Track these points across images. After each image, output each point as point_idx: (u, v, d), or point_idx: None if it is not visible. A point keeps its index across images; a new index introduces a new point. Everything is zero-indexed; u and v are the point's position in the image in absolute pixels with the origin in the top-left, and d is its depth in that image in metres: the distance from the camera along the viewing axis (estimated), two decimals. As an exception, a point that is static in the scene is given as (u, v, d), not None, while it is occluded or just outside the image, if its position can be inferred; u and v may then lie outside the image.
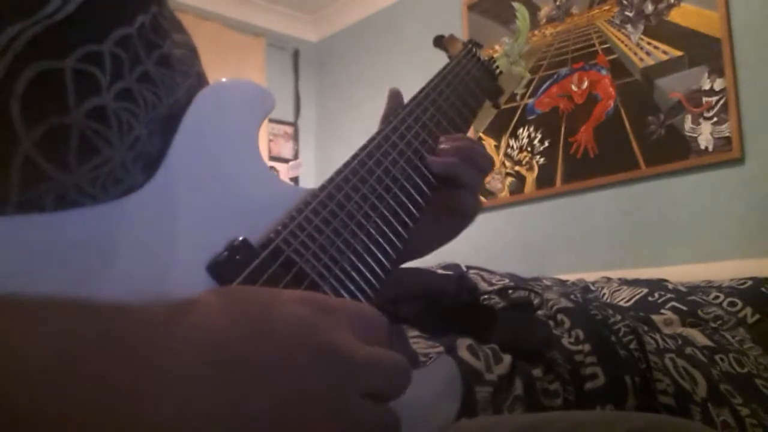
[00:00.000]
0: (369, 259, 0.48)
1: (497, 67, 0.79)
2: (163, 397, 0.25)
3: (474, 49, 0.77)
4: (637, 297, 1.70)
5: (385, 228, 0.50)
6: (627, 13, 2.59)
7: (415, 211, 0.54)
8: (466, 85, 0.71)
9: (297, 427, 0.28)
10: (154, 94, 0.42)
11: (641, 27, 2.54)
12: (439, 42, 0.79)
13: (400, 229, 0.52)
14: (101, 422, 0.24)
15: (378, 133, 0.57)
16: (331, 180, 0.50)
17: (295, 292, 0.34)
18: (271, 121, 3.72)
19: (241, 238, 0.41)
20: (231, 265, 0.40)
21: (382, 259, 0.49)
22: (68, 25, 0.37)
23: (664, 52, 2.46)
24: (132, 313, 0.28)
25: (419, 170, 0.57)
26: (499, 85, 0.79)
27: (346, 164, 0.52)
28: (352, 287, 0.45)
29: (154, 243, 0.38)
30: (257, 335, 0.28)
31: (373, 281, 0.47)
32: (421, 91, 0.65)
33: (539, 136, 2.82)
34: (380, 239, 0.50)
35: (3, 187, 0.34)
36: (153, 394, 0.25)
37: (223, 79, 0.48)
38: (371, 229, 0.49)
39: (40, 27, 0.35)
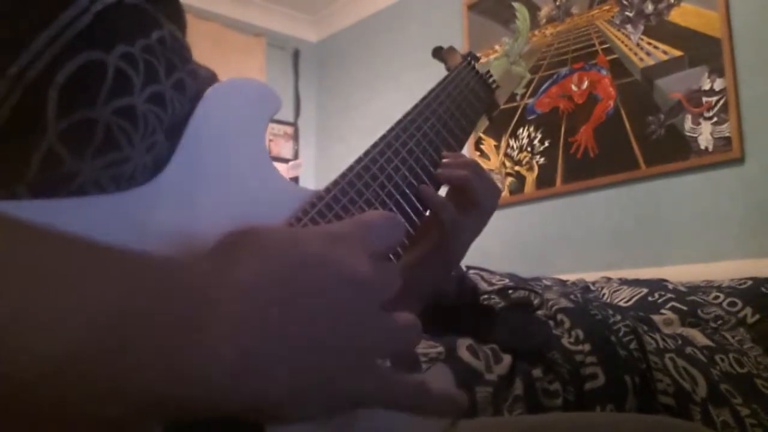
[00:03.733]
0: None
1: (494, 81, 0.80)
2: (227, 338, 0.29)
3: (472, 62, 0.78)
4: (637, 297, 1.70)
5: None
6: (627, 13, 2.59)
7: (416, 219, 0.55)
8: (465, 96, 0.72)
9: (333, 342, 0.33)
10: (180, 103, 0.43)
11: (641, 27, 2.54)
12: (438, 53, 0.80)
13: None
14: (181, 359, 0.28)
15: (381, 140, 0.58)
16: (336, 183, 0.50)
17: (308, 230, 0.38)
18: (271, 121, 3.71)
19: None
20: None
21: None
22: (106, 21, 0.38)
23: (664, 52, 2.46)
24: (183, 266, 0.32)
25: (421, 178, 0.58)
26: (495, 99, 0.80)
27: (350, 168, 0.52)
28: None
29: (158, 236, 0.39)
30: (286, 276, 0.33)
31: None
32: (422, 100, 0.66)
33: (539, 136, 2.82)
34: None
35: (21, 170, 0.35)
36: (218, 336, 0.29)
37: (228, 78, 0.48)
38: None
39: (89, 17, 0.37)
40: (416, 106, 0.65)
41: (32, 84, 0.35)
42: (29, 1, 0.35)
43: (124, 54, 0.39)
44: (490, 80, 0.79)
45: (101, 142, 0.37)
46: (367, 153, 0.55)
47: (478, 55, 0.81)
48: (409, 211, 0.55)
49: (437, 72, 0.76)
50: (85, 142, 0.37)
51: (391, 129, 0.60)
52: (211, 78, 0.51)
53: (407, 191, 0.56)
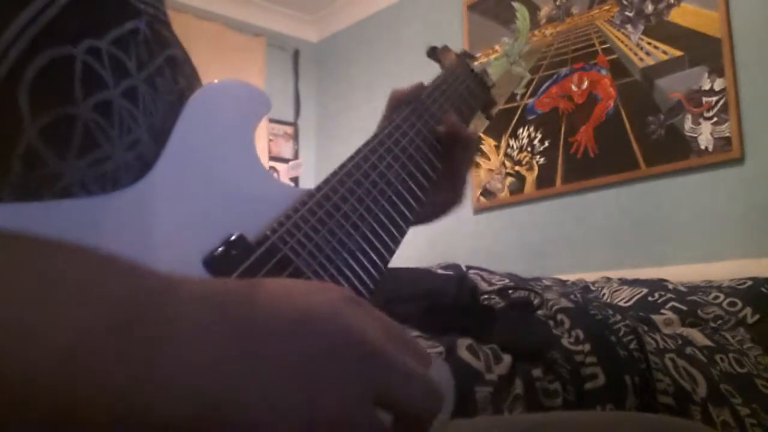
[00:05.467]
0: (364, 260, 0.48)
1: (489, 79, 0.80)
2: (201, 376, 0.26)
3: (467, 61, 0.78)
4: (637, 297, 1.70)
5: (379, 230, 0.51)
6: (627, 13, 2.59)
7: (409, 215, 0.55)
8: (460, 94, 0.72)
9: (305, 408, 0.28)
10: (152, 100, 0.43)
11: (641, 27, 2.54)
12: (433, 53, 0.80)
13: (394, 231, 0.52)
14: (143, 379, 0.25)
15: (374, 138, 0.58)
16: (327, 181, 0.50)
17: (326, 284, 0.35)
18: (271, 121, 3.73)
19: (237, 234, 0.41)
20: (227, 260, 0.40)
21: (377, 260, 0.49)
22: (74, 13, 0.37)
23: (664, 52, 2.46)
24: (177, 289, 0.29)
25: (414, 176, 0.58)
26: (492, 97, 0.80)
27: (342, 166, 0.53)
28: (346, 285, 0.46)
29: (146, 236, 0.39)
30: (294, 327, 0.29)
31: (368, 281, 0.48)
32: (416, 99, 0.66)
33: (539, 136, 2.82)
34: (375, 241, 0.50)
35: (2, 171, 0.35)
36: (189, 380, 0.26)
37: (216, 81, 0.48)
38: (366, 231, 0.50)
39: (55, 10, 0.36)
40: (408, 104, 0.65)
41: (2, 82, 0.34)
42: None
43: (92, 48, 0.38)
44: (486, 78, 0.79)
45: (81, 139, 0.37)
46: (358, 151, 0.55)
47: (475, 54, 0.81)
48: (401, 206, 0.55)
49: (437, 72, 0.76)
50: (65, 139, 0.37)
51: (384, 127, 0.60)
52: (190, 71, 0.50)
53: (400, 188, 0.56)
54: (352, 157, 0.54)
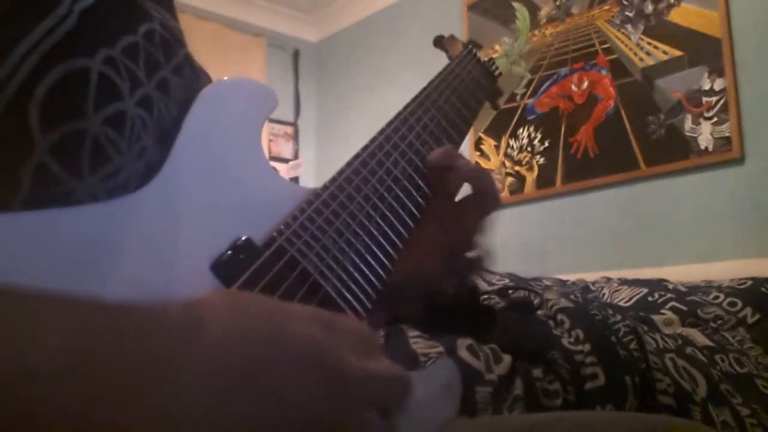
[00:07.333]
0: (371, 259, 0.48)
1: (497, 68, 0.79)
2: (172, 414, 0.26)
3: (474, 50, 0.77)
4: (637, 297, 1.70)
5: (386, 228, 0.51)
6: (627, 13, 2.59)
7: (416, 212, 0.54)
8: (466, 85, 0.71)
9: None
10: (165, 105, 0.42)
11: (641, 27, 2.54)
12: (439, 42, 0.79)
13: (401, 229, 0.52)
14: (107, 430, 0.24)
15: (380, 133, 0.57)
16: (333, 180, 0.50)
17: (305, 309, 0.35)
18: (271, 121, 3.73)
19: (244, 238, 0.41)
20: (234, 264, 0.40)
21: (384, 260, 0.49)
22: (90, 22, 0.36)
23: (664, 52, 2.46)
24: (144, 317, 0.28)
25: (421, 171, 0.57)
26: (498, 87, 0.79)
27: (348, 164, 0.52)
28: (354, 287, 0.45)
29: (156, 242, 0.38)
30: (270, 355, 0.30)
31: (375, 281, 0.47)
32: (422, 91, 0.65)
33: (539, 136, 2.82)
34: (382, 239, 0.50)
35: (11, 192, 0.33)
36: (164, 414, 0.25)
37: (225, 78, 0.48)
38: (373, 229, 0.49)
39: (73, 19, 0.35)
40: (415, 97, 0.63)
41: (12, 99, 0.33)
42: (12, 10, 0.33)
43: (109, 57, 0.37)
44: (493, 67, 0.79)
45: (92, 154, 0.36)
46: (365, 148, 0.54)
47: (479, 43, 0.81)
48: (410, 204, 0.54)
49: (437, 72, 0.76)
50: (77, 156, 0.35)
51: (390, 122, 0.59)
52: (203, 75, 0.50)
53: (407, 184, 0.55)
54: (358, 154, 0.53)
